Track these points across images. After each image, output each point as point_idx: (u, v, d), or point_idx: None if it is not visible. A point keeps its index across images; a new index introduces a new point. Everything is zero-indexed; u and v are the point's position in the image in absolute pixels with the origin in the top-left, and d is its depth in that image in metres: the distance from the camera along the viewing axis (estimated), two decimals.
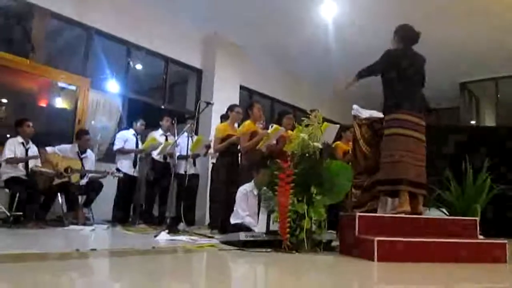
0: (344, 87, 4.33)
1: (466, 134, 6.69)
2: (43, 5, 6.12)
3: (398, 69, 3.93)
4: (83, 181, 5.76)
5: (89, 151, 5.99)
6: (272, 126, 5.42)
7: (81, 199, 5.72)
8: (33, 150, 5.38)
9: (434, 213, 4.92)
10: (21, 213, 4.95)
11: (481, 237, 3.79)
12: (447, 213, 4.99)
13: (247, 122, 5.54)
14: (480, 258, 3.31)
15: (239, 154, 5.76)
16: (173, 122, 6.24)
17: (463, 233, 3.66)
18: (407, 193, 3.74)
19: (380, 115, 4.24)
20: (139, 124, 6.56)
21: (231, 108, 5.93)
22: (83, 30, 6.72)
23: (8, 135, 5.37)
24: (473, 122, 10.28)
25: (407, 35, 4.06)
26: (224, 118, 6.16)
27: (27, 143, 5.33)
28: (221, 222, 5.19)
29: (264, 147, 5.21)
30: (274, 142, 5.31)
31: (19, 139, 5.28)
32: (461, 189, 4.99)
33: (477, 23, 7.23)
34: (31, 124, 5.35)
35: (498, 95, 9.76)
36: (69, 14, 6.39)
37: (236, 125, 5.95)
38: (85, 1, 6.54)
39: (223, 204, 5.30)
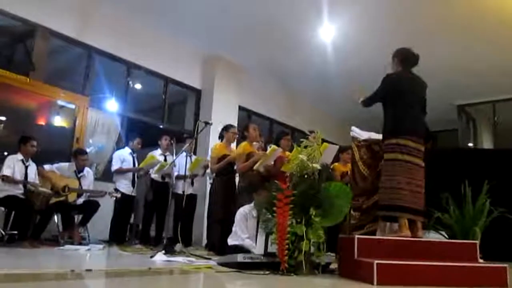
0: (356, 98, 4.24)
1: (464, 157, 6.69)
2: (44, 25, 6.18)
3: (398, 93, 3.89)
4: (80, 200, 5.71)
5: (87, 169, 5.95)
6: (270, 147, 5.41)
7: (77, 218, 5.67)
8: (33, 168, 5.34)
9: (433, 236, 4.88)
10: (16, 231, 4.89)
11: (481, 260, 3.74)
12: (447, 236, 4.95)
13: (243, 143, 5.54)
14: (480, 282, 3.26)
15: (236, 174, 5.73)
16: (172, 141, 6.23)
17: (463, 256, 3.62)
18: (406, 219, 3.70)
19: (379, 136, 4.22)
20: (135, 142, 6.52)
21: (226, 128, 5.92)
22: (83, 50, 6.78)
23: (6, 153, 5.34)
24: (470, 144, 10.31)
25: (406, 58, 4.01)
26: (220, 138, 6.16)
27: (27, 161, 5.29)
28: (218, 243, 5.13)
29: (261, 167, 5.20)
30: (272, 162, 5.30)
31: (19, 156, 5.23)
32: (460, 212, 4.96)
33: (474, 46, 7.33)
34: (35, 143, 5.32)
35: (496, 118, 9.84)
36: (70, 34, 6.47)
37: (233, 145, 5.94)
38: (86, 21, 6.62)
39: (220, 225, 5.25)
